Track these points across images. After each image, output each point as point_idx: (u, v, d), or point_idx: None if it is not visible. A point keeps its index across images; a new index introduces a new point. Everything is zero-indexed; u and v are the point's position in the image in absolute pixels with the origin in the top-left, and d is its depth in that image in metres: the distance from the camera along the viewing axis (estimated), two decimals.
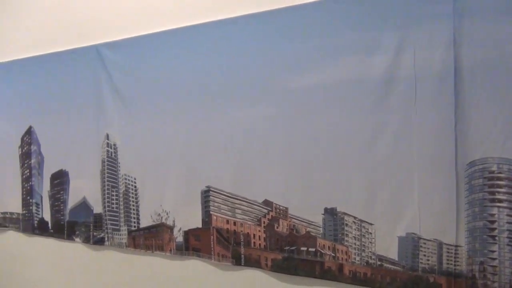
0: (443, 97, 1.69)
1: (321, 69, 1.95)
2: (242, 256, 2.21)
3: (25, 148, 3.09)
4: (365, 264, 1.92)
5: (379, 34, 1.81)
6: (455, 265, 1.72)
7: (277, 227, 2.11)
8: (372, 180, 1.87)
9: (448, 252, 1.74)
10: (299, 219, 2.06)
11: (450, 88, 1.67)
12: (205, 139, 2.28)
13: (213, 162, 2.27)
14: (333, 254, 1.98)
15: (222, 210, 2.26)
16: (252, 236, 2.19)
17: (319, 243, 2.01)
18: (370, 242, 1.90)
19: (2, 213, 3.30)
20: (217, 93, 2.22)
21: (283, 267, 2.10)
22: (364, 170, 1.88)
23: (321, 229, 2.01)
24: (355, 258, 1.94)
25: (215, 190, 2.27)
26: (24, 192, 3.13)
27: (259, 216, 2.16)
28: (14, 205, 3.20)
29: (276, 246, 2.12)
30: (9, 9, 3.18)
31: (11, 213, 3.23)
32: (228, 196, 2.23)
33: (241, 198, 2.20)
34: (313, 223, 2.03)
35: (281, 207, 2.10)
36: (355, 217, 1.92)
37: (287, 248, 2.09)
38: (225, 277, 2.29)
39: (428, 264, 1.78)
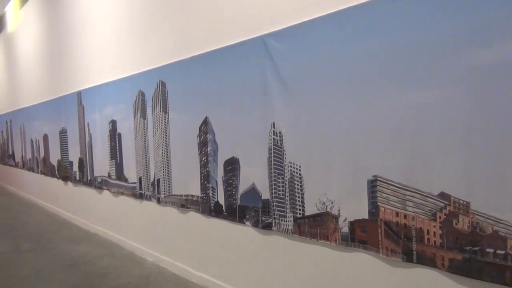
0: None
1: None
2: (414, 252, 2.04)
3: (202, 137, 3.41)
4: None
5: None
6: None
7: (456, 224, 1.87)
8: None
9: None
10: (484, 215, 1.79)
11: None
12: (372, 125, 2.16)
13: (380, 149, 2.14)
14: None
15: (391, 202, 2.11)
16: (425, 231, 1.99)
17: (511, 245, 1.71)
18: None
19: (185, 195, 3.71)
20: (385, 75, 2.08)
21: (463, 269, 1.86)
22: None
23: None
24: None
25: (383, 179, 2.13)
26: (202, 177, 3.46)
27: (434, 210, 1.96)
28: (195, 189, 3.58)
29: (454, 244, 1.89)
30: (182, 13, 3.53)
31: (192, 196, 3.61)
32: (398, 187, 2.08)
33: (412, 190, 2.02)
34: (502, 221, 1.74)
35: (461, 201, 1.86)
36: None
37: (468, 248, 1.84)
38: (394, 274, 2.15)
39: None
